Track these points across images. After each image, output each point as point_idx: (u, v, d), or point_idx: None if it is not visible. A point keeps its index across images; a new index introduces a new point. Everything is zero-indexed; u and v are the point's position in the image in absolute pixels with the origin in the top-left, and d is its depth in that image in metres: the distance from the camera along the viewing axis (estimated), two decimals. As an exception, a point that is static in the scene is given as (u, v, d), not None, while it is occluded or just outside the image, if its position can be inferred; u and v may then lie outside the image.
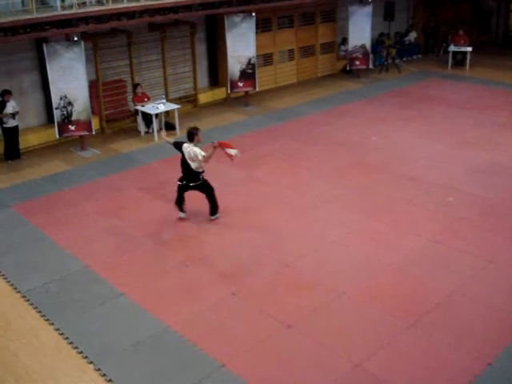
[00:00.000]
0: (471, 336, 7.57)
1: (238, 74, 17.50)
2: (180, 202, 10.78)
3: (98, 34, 15.25)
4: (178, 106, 15.95)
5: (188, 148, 10.27)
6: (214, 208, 10.75)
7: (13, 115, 13.62)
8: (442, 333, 7.63)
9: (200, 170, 10.42)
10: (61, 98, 13.87)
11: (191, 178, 10.48)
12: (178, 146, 10.53)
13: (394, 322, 7.87)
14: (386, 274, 9.00)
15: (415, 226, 10.41)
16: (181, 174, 10.57)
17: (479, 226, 10.40)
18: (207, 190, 10.63)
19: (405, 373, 6.97)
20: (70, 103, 13.96)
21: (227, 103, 18.51)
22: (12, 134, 13.86)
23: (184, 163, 10.39)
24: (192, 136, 10.32)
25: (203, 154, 10.12)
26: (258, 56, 18.04)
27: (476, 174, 12.52)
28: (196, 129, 10.43)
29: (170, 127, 15.98)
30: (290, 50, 20.50)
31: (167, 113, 16.25)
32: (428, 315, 7.97)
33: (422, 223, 10.49)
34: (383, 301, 8.32)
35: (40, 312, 8.35)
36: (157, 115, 15.49)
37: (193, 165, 10.27)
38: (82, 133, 14.43)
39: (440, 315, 7.99)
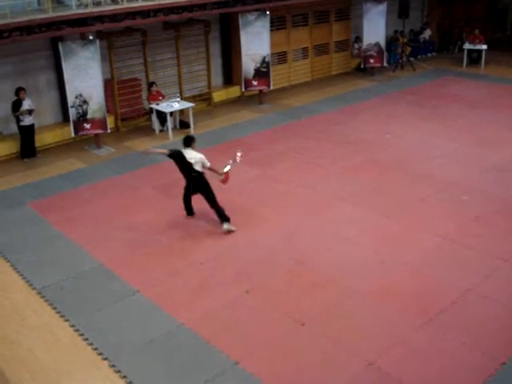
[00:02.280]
0: (486, 335, 7.54)
1: (252, 72, 17.52)
2: (189, 208, 10.84)
3: (113, 33, 15.33)
4: (193, 105, 15.99)
5: (191, 153, 10.14)
6: (219, 215, 10.34)
7: (29, 112, 13.73)
8: (456, 332, 7.60)
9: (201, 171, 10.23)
10: (76, 97, 13.96)
11: (196, 183, 10.28)
12: (175, 154, 10.18)
13: (408, 320, 7.85)
14: (400, 273, 8.98)
15: (430, 224, 10.37)
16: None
17: (494, 224, 10.33)
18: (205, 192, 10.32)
19: (418, 371, 6.95)
20: (85, 102, 14.05)
21: (241, 101, 18.53)
22: (28, 132, 13.96)
23: (187, 169, 10.18)
24: (190, 141, 10.27)
25: (208, 163, 10.21)
26: (272, 54, 18.03)
27: (491, 173, 12.44)
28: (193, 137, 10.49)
29: (184, 125, 16.04)
30: (304, 48, 20.47)
31: (181, 111, 16.30)
32: (442, 314, 7.94)
33: (436, 221, 10.45)
34: (397, 299, 8.31)
35: (55, 309, 8.42)
36: (171, 113, 15.54)
37: (197, 167, 10.15)
38: (97, 131, 14.52)
39: (454, 314, 7.95)
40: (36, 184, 12.74)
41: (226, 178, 10.55)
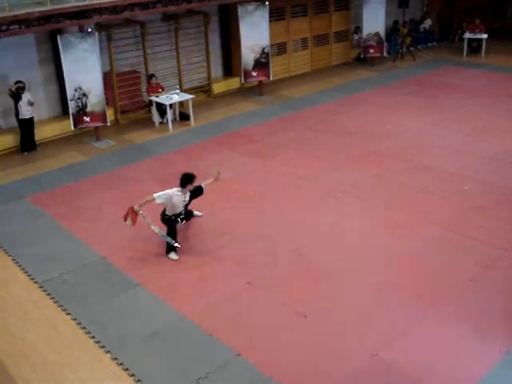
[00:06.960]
0: (489, 324, 7.53)
1: (251, 63, 17.46)
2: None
3: (112, 25, 15.27)
4: (192, 96, 15.94)
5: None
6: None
7: (30, 103, 13.67)
8: (459, 321, 7.59)
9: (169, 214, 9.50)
10: (75, 90, 13.91)
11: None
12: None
13: (410, 311, 7.85)
14: (402, 263, 8.97)
15: (431, 214, 10.35)
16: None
17: (495, 214, 10.32)
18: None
19: (422, 362, 6.95)
20: (84, 94, 14.00)
21: (241, 93, 18.49)
22: (27, 126, 13.93)
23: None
24: (187, 182, 9.22)
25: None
26: (271, 45, 17.97)
27: (492, 162, 12.41)
28: (193, 176, 9.23)
29: (184, 117, 16.01)
30: (303, 38, 20.40)
31: (181, 103, 16.26)
32: (444, 304, 7.94)
33: (437, 212, 10.44)
34: (399, 290, 8.30)
35: (57, 302, 8.41)
36: (171, 106, 15.51)
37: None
38: (97, 124, 14.49)
39: (456, 304, 7.95)
40: (36, 177, 12.72)
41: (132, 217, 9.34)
